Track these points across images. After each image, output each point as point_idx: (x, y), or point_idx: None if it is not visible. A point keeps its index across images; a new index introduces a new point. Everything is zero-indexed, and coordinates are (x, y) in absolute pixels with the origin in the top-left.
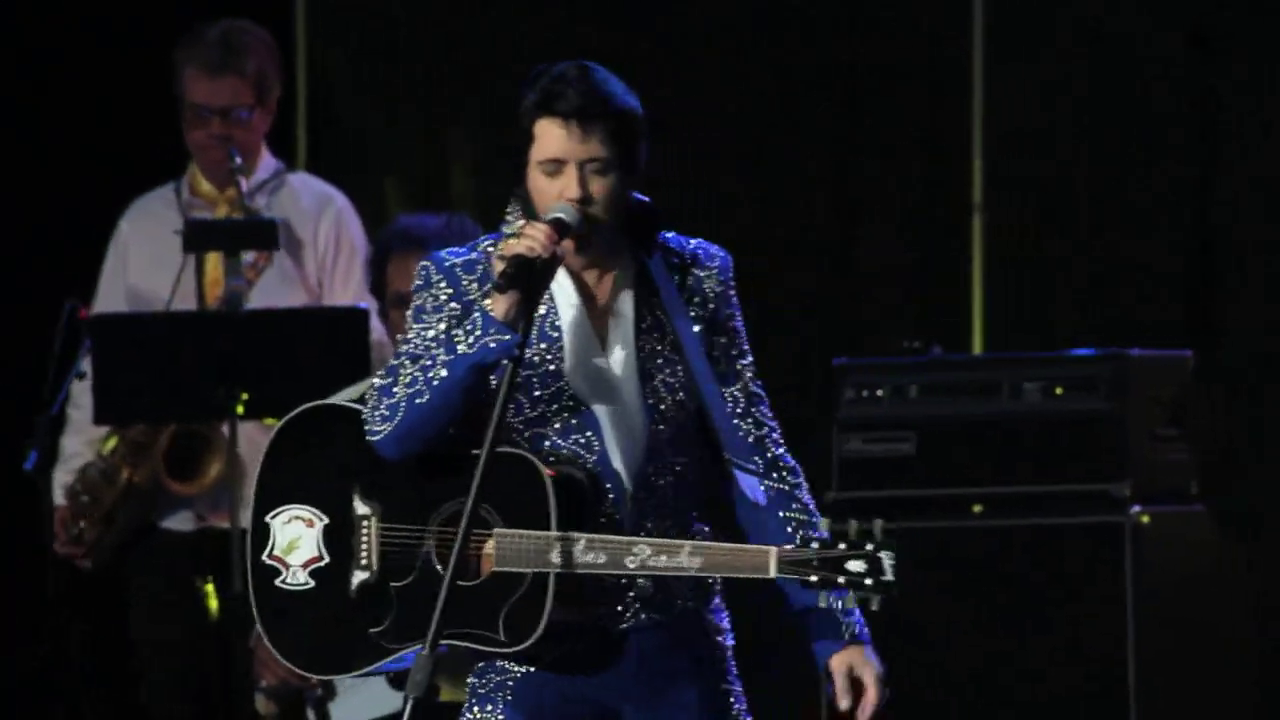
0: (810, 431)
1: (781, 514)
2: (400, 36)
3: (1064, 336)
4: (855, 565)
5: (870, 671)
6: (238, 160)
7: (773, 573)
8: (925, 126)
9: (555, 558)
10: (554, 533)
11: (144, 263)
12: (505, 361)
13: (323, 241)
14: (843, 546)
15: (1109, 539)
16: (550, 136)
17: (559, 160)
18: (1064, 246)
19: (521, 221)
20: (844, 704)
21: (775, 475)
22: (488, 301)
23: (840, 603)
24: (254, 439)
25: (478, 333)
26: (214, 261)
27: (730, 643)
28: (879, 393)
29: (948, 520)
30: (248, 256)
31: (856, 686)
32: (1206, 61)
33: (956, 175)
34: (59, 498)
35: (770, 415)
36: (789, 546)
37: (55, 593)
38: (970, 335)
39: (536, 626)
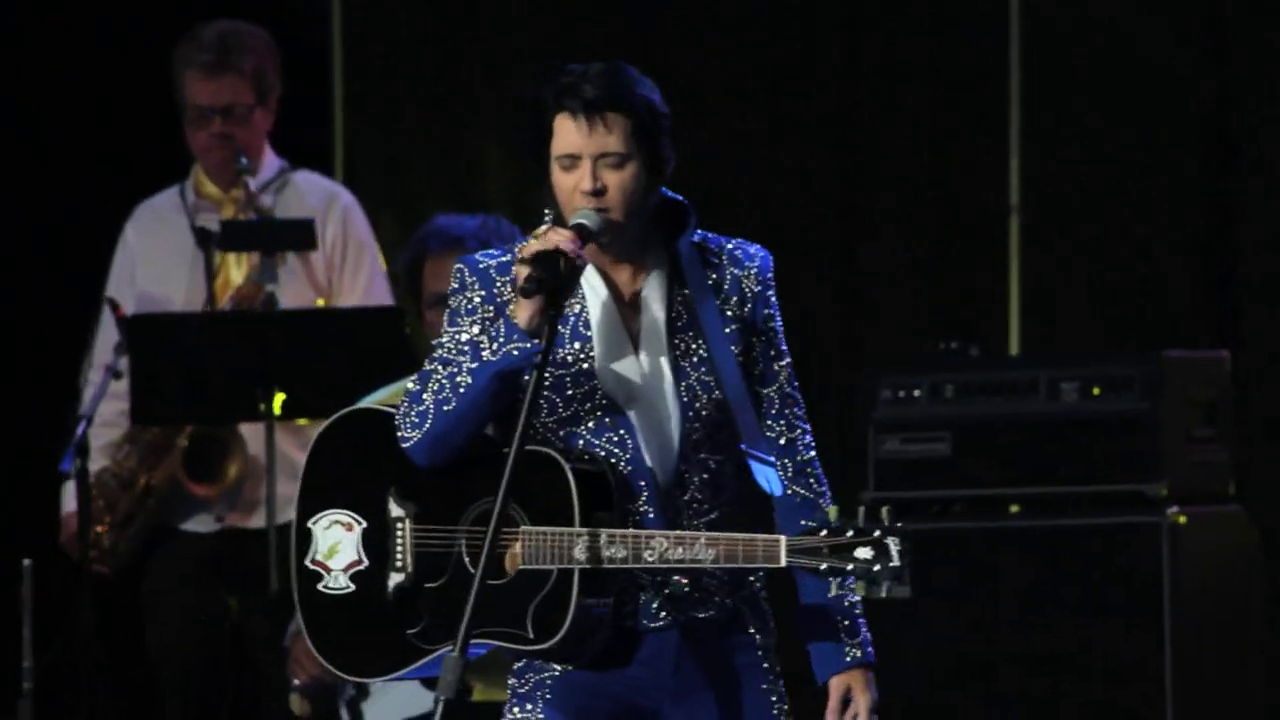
0: (845, 433)
1: (804, 521)
2: (434, 36)
3: (1101, 337)
4: (863, 552)
5: (866, 700)
6: (244, 160)
7: (783, 561)
8: (963, 127)
9: (579, 553)
10: (576, 529)
11: (153, 267)
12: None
13: (330, 239)
14: (850, 534)
15: (1145, 539)
16: (564, 131)
17: (573, 155)
18: (1101, 246)
19: (543, 227)
20: None
21: (803, 481)
22: (511, 308)
23: (847, 621)
24: (260, 439)
25: (501, 340)
26: (225, 263)
27: (772, 642)
28: (916, 393)
29: (984, 520)
30: (254, 257)
31: (848, 709)
32: (1227, 60)
33: (993, 176)
34: (69, 505)
35: (804, 419)
36: (799, 535)
37: (78, 595)
38: (1007, 336)
39: (563, 622)
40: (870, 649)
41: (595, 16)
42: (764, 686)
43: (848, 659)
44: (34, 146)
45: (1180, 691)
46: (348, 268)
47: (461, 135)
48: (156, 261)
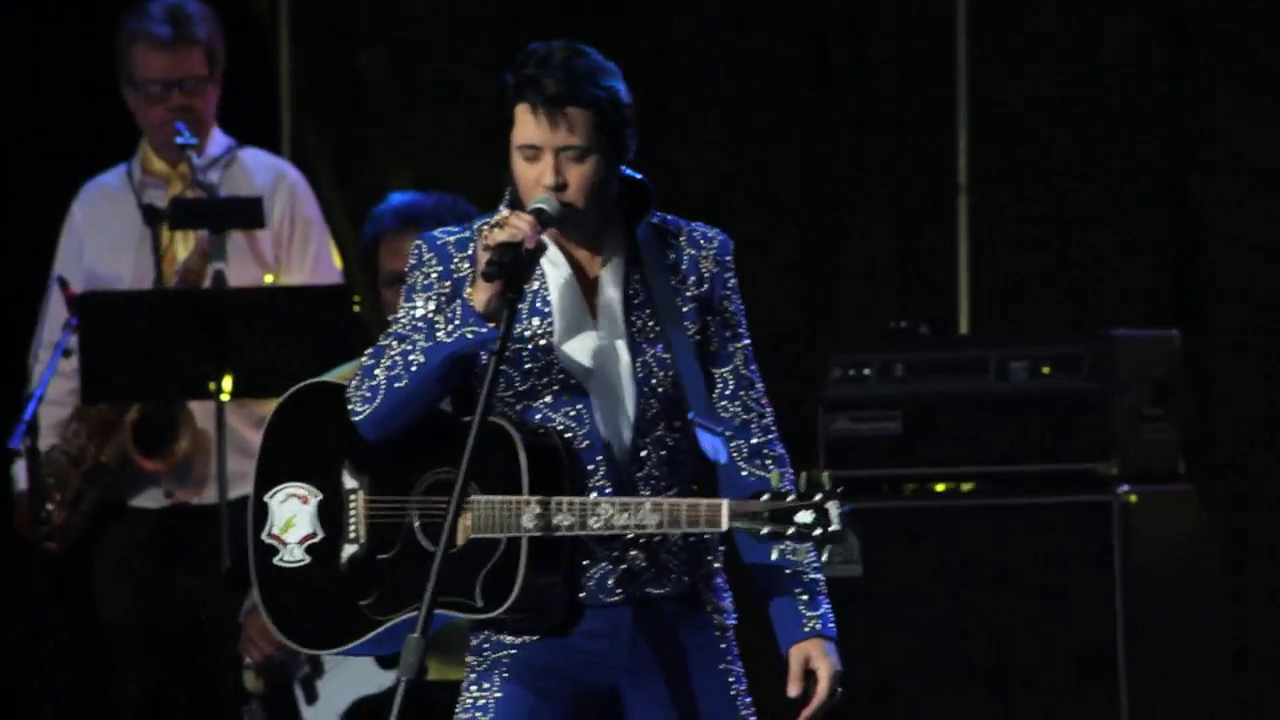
0: (794, 412)
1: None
2: (385, 12)
3: (1050, 316)
4: (803, 516)
5: (826, 667)
6: (187, 135)
7: (724, 525)
8: (910, 107)
9: (527, 521)
10: (523, 497)
11: (101, 245)
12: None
13: (277, 217)
14: (791, 498)
15: (1096, 518)
16: (526, 123)
17: (534, 146)
18: (1050, 225)
19: (504, 212)
20: (793, 692)
21: (758, 462)
22: (469, 290)
23: (806, 595)
24: (209, 415)
25: (457, 322)
26: (173, 240)
27: (731, 621)
28: (866, 372)
29: (934, 500)
30: (202, 235)
31: (810, 678)
32: (1182, 40)
33: (941, 156)
34: (20, 484)
35: (762, 401)
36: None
37: (32, 574)
38: (957, 315)
39: (512, 590)
40: (831, 624)
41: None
42: (721, 666)
43: (805, 629)
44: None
45: (1133, 669)
46: (295, 245)
47: (413, 117)
48: (104, 239)
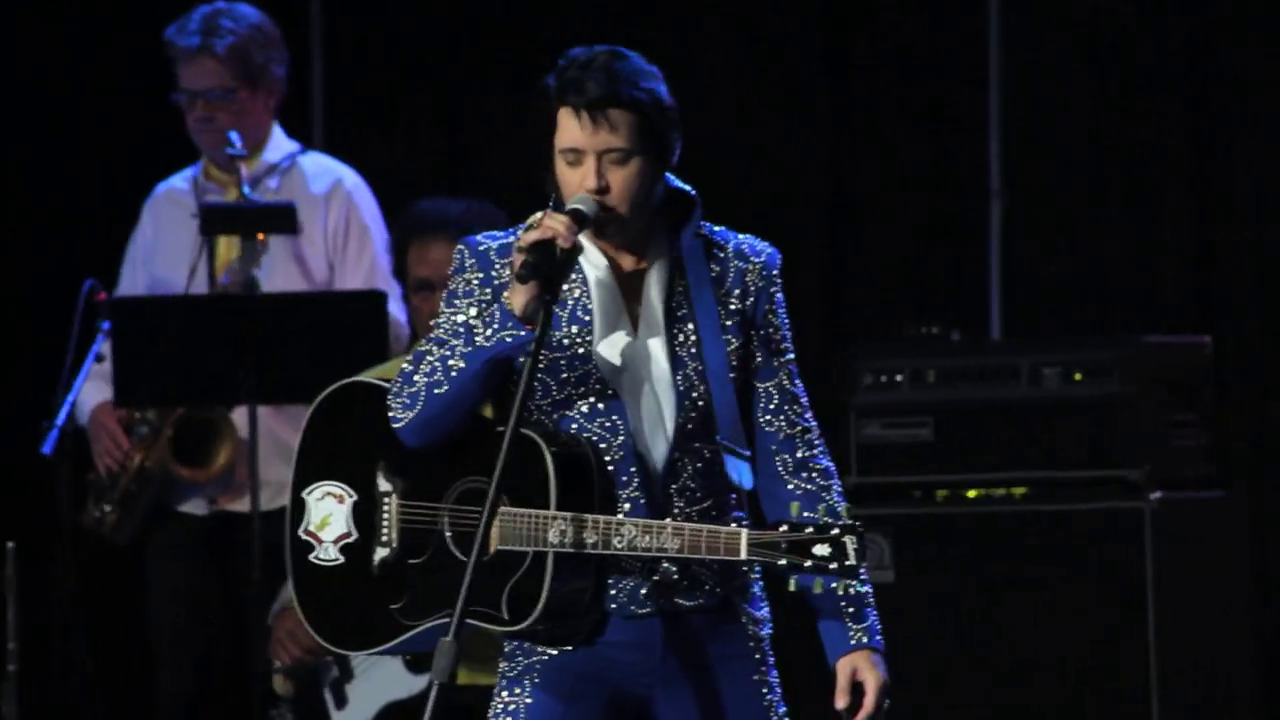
0: (823, 419)
1: (807, 515)
2: (420, 15)
3: (1082, 322)
4: (820, 549)
5: (874, 679)
6: (237, 145)
7: (743, 555)
8: (944, 112)
9: (553, 537)
10: (550, 512)
11: (165, 250)
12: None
13: (333, 223)
14: (809, 530)
15: (1128, 524)
16: (568, 126)
17: (577, 150)
18: (1083, 232)
19: (539, 214)
20: (840, 704)
21: (804, 475)
22: (506, 294)
23: (852, 608)
24: (264, 423)
25: (495, 326)
26: (226, 246)
27: (767, 632)
28: (897, 378)
29: (966, 506)
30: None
31: (857, 690)
32: (1212, 42)
33: (974, 161)
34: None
35: (807, 416)
36: (755, 530)
37: (69, 574)
38: (989, 321)
39: (536, 605)
40: (878, 636)
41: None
42: (755, 677)
43: (852, 642)
44: (30, 128)
45: (1164, 675)
46: (350, 252)
47: (446, 124)
48: (166, 244)
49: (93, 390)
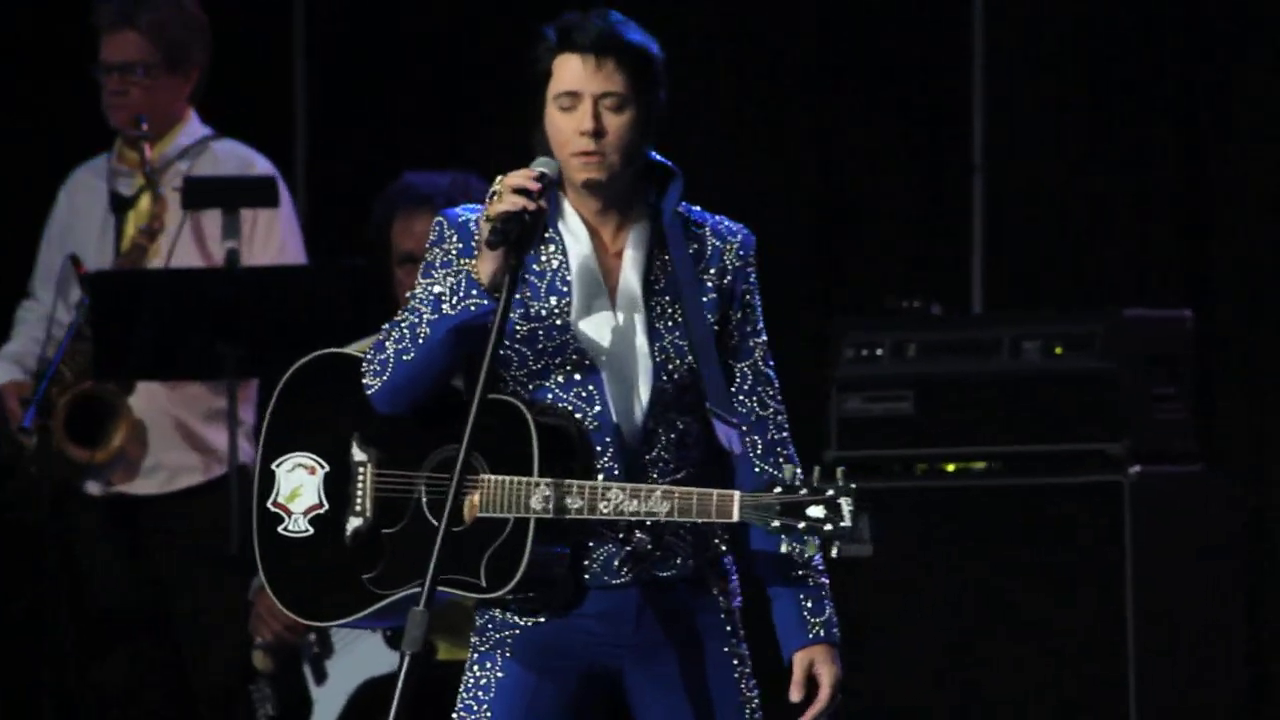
0: (808, 395)
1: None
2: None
3: (1063, 295)
4: (815, 510)
5: (829, 674)
6: (144, 126)
7: (736, 516)
8: (925, 86)
9: (536, 503)
10: (533, 478)
11: (77, 229)
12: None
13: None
14: (804, 492)
15: (1107, 498)
16: (567, 70)
17: (574, 93)
18: (1065, 205)
19: (500, 177)
20: (795, 697)
21: (771, 459)
22: (471, 262)
23: (810, 601)
24: (161, 403)
25: (460, 294)
26: (134, 224)
27: (737, 604)
28: (878, 351)
29: (946, 480)
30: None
31: (813, 684)
32: (1200, 14)
33: (956, 134)
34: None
35: (778, 399)
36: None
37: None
38: (969, 294)
39: (516, 571)
40: (835, 630)
41: None
42: (725, 649)
43: (810, 635)
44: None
45: (1142, 649)
46: (258, 235)
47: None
48: (79, 225)
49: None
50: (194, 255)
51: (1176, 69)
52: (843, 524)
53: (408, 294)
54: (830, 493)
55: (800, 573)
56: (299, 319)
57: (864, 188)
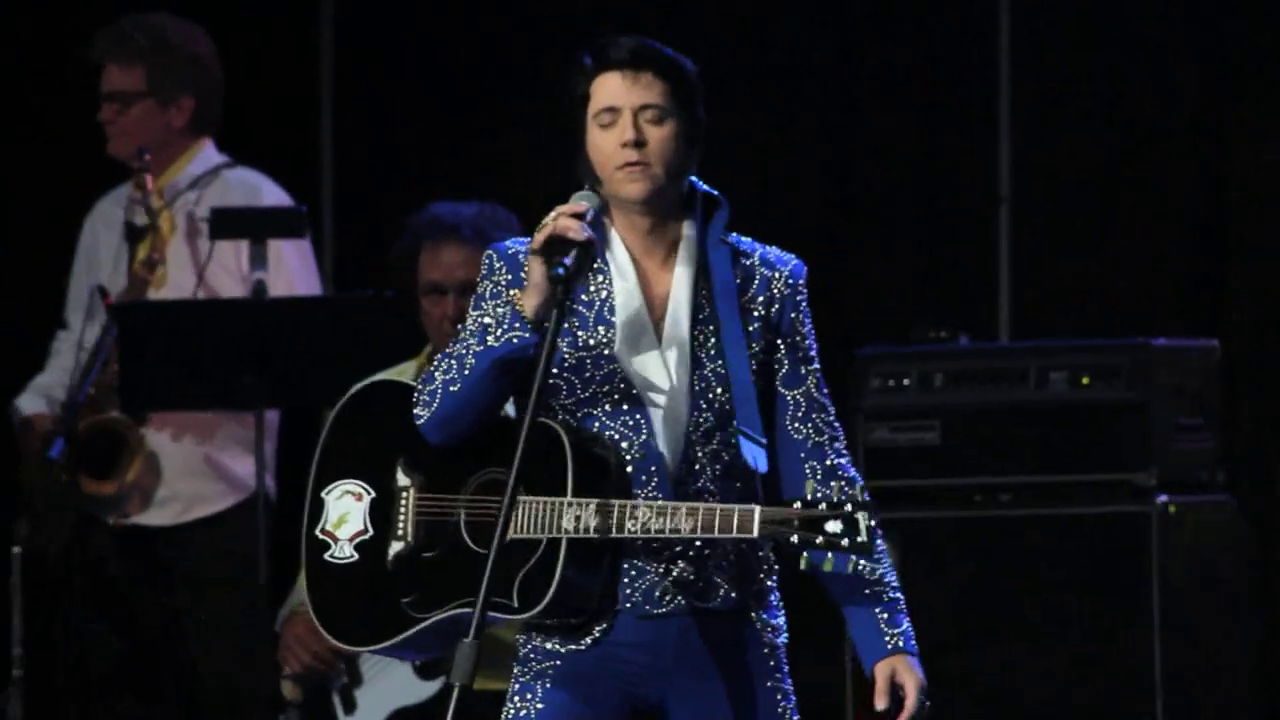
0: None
1: (820, 493)
2: (432, 31)
3: (1090, 326)
4: (833, 526)
5: (913, 681)
6: (145, 157)
7: (756, 532)
8: (953, 116)
9: (567, 523)
10: (564, 499)
11: (97, 261)
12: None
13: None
14: (823, 507)
15: (1135, 528)
16: (605, 88)
17: (614, 108)
18: (1091, 236)
19: (549, 216)
20: (881, 705)
21: (833, 483)
22: (516, 295)
23: (886, 613)
24: (181, 435)
25: (505, 327)
26: (143, 253)
27: (782, 640)
28: (905, 382)
29: (973, 509)
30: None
31: (896, 692)
32: (1222, 49)
33: (984, 165)
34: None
35: (834, 423)
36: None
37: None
38: (996, 325)
39: (547, 592)
40: (912, 640)
41: (595, 11)
42: (769, 683)
43: (889, 646)
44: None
45: (1169, 678)
46: (268, 264)
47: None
48: (99, 254)
49: (27, 401)
50: (191, 286)
51: (1201, 99)
52: (859, 539)
53: (459, 326)
54: (848, 508)
55: (874, 589)
56: (327, 349)
57: (890, 218)
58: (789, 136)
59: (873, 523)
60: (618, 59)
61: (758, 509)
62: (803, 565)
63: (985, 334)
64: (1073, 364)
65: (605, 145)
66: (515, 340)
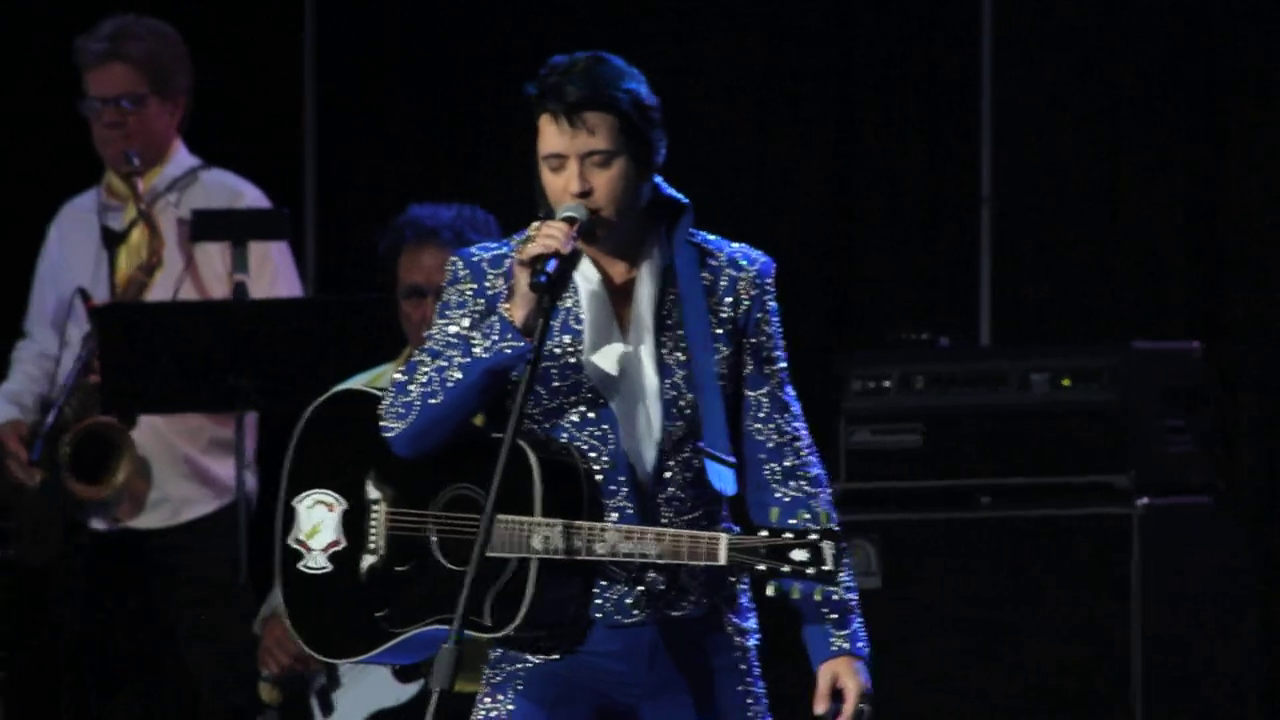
0: (814, 424)
1: (789, 520)
2: (410, 33)
3: (1071, 328)
4: (798, 554)
5: (854, 685)
6: (135, 161)
7: (723, 560)
8: (934, 118)
9: (536, 543)
10: (534, 519)
11: (69, 266)
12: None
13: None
14: (788, 535)
15: (1115, 531)
16: (549, 132)
17: (559, 155)
18: (1072, 237)
19: (535, 224)
20: (819, 709)
21: (792, 483)
22: (505, 305)
23: (835, 615)
24: (164, 437)
25: (494, 337)
26: (126, 260)
27: (753, 643)
28: (886, 384)
29: (954, 511)
30: (141, 259)
31: (838, 696)
32: (1211, 48)
33: (964, 167)
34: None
35: (796, 425)
36: (738, 534)
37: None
38: (978, 327)
39: (518, 612)
40: (861, 643)
41: (580, 12)
42: (739, 688)
43: (833, 648)
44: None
45: (1150, 681)
46: (250, 265)
47: (439, 131)
48: (71, 261)
49: None
50: (190, 290)
51: (1188, 99)
52: (825, 568)
53: (424, 334)
54: (813, 536)
55: (826, 589)
56: (309, 352)
57: (872, 220)
58: (778, 139)
59: (838, 551)
60: (555, 108)
61: (724, 537)
62: (770, 591)
63: (966, 336)
64: (1054, 366)
65: (555, 186)
66: (509, 350)
